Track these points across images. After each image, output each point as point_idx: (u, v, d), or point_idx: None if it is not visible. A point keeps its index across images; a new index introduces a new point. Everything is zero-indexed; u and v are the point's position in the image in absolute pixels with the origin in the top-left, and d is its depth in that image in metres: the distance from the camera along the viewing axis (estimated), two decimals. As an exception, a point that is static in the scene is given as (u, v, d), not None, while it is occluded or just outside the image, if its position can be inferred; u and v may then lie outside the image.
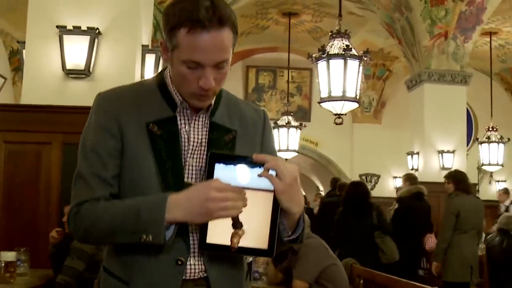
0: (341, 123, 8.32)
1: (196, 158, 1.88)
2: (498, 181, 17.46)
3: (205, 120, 1.92)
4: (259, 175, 1.73)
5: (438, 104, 12.44)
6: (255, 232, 1.74)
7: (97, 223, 1.78)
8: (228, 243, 1.69)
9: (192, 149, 1.88)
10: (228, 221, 1.72)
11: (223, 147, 1.90)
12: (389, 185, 16.42)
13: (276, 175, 1.73)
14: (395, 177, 16.33)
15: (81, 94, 5.60)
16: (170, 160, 1.83)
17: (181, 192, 1.74)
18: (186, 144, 1.88)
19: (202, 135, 1.90)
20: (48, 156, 5.68)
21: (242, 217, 1.70)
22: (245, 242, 1.71)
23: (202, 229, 1.76)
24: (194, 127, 1.90)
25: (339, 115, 8.06)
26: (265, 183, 1.75)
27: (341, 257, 5.75)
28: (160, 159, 1.82)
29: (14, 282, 4.39)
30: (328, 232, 6.80)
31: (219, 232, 1.72)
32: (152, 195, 1.78)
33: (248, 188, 1.73)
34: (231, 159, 1.75)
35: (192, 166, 1.87)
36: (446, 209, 7.02)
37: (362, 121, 16.54)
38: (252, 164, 1.74)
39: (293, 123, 11.99)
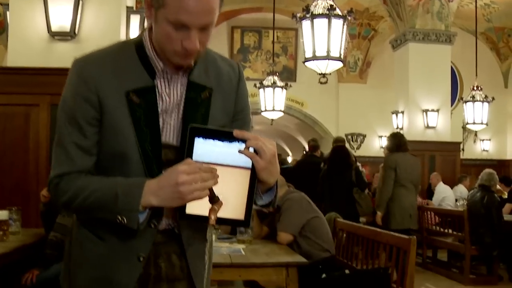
0: (325, 82, 8.40)
1: (174, 118, 1.93)
2: (483, 140, 17.68)
3: (183, 79, 1.95)
4: (240, 152, 1.76)
5: (422, 63, 12.55)
6: (232, 204, 1.80)
7: (76, 199, 1.84)
8: (206, 213, 1.74)
9: (171, 109, 1.92)
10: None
11: (199, 106, 1.94)
12: (375, 144, 16.60)
13: (256, 152, 1.77)
14: (380, 136, 16.49)
15: (67, 56, 5.54)
16: (149, 129, 1.87)
17: (154, 179, 1.79)
18: (165, 104, 1.91)
19: (180, 94, 1.94)
20: (36, 117, 5.74)
21: (219, 191, 1.74)
22: (222, 213, 1.76)
23: None
24: (172, 88, 1.94)
25: (323, 75, 8.15)
26: (243, 160, 1.78)
27: (325, 210, 6.13)
28: (139, 128, 1.86)
29: (7, 240, 4.47)
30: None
31: (197, 203, 1.76)
32: (130, 179, 1.83)
33: (225, 165, 1.76)
34: (211, 134, 1.76)
35: (170, 125, 1.92)
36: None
37: (347, 81, 16.60)
38: (232, 139, 1.76)
39: (279, 83, 12.01)
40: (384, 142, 15.60)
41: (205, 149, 1.76)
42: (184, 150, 1.78)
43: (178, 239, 1.98)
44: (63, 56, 5.69)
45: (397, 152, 7.56)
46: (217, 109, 1.98)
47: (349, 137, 16.26)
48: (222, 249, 4.32)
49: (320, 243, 4.78)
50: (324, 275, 4.52)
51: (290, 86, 12.74)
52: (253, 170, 1.79)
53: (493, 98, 13.41)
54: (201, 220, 1.80)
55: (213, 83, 1.99)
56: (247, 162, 1.78)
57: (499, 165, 16.35)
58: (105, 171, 1.90)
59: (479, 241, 7.83)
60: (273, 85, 11.96)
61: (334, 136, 15.88)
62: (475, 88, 13.21)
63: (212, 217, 1.74)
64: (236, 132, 1.77)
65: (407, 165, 7.47)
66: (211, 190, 1.74)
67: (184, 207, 1.79)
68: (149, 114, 1.88)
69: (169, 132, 1.93)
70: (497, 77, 17.64)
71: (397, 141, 7.65)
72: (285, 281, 3.88)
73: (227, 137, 1.77)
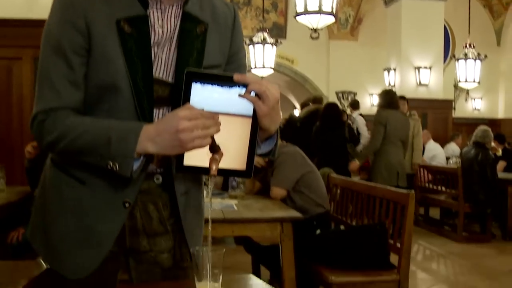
0: (317, 38, 8.28)
1: (166, 52, 1.78)
2: (474, 98, 17.59)
3: (177, 10, 1.80)
4: (241, 96, 1.63)
5: (415, 20, 12.37)
6: (233, 154, 1.67)
7: (63, 141, 1.67)
8: (205, 164, 1.60)
9: (163, 42, 1.78)
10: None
11: (195, 40, 1.80)
12: (366, 102, 16.43)
13: (259, 97, 1.63)
14: (371, 94, 16.34)
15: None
16: (141, 61, 1.71)
17: (152, 124, 1.64)
18: (157, 36, 1.76)
19: (173, 27, 1.79)
20: (19, 71, 5.57)
21: (219, 140, 1.61)
22: (223, 163, 1.62)
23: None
24: (166, 19, 1.79)
25: (315, 30, 8.04)
26: (244, 107, 1.65)
27: (319, 165, 6.04)
28: (130, 59, 1.70)
29: (-9, 197, 4.35)
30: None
31: (196, 153, 1.62)
32: (125, 123, 1.68)
33: (225, 114, 1.63)
34: (209, 79, 1.62)
35: (162, 59, 1.77)
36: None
37: (338, 38, 16.38)
38: (232, 84, 1.63)
39: (269, 40, 11.81)
40: (375, 100, 15.53)
41: (203, 95, 1.62)
42: (178, 89, 1.66)
43: (158, 188, 1.84)
44: (47, 6, 5.45)
45: (389, 109, 7.52)
46: (213, 46, 1.83)
47: (340, 95, 16.12)
48: (213, 204, 4.18)
49: (315, 198, 4.64)
50: (318, 231, 4.40)
51: (280, 43, 12.54)
52: (254, 117, 1.66)
53: (485, 56, 13.29)
54: (199, 172, 1.68)
55: (209, 19, 1.85)
56: (248, 110, 1.65)
57: (490, 124, 16.08)
58: (92, 108, 1.74)
59: (473, 198, 7.74)
60: (263, 42, 11.76)
61: (325, 93, 15.86)
62: (467, 45, 13.07)
63: (213, 167, 1.59)
64: (237, 76, 1.62)
65: (397, 123, 7.45)
66: (212, 139, 1.59)
67: (181, 158, 1.65)
68: (141, 45, 1.72)
69: (161, 67, 1.77)
70: (490, 34, 17.45)
71: (389, 98, 7.61)
72: (280, 236, 3.74)
73: (227, 82, 1.63)
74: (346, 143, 7.68)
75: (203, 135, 1.56)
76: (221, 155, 1.61)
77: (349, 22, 16.38)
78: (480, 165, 7.69)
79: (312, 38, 8.18)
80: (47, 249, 1.82)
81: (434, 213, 9.39)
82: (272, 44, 11.88)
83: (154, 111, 1.74)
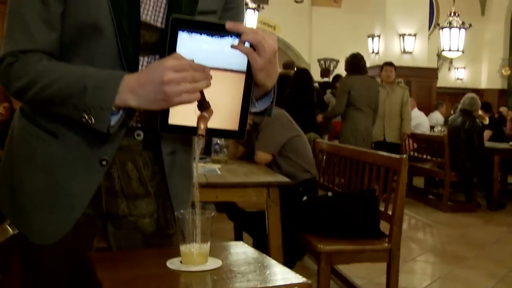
0: (301, 1, 8.08)
1: None
2: (457, 68, 17.47)
3: None
4: (233, 47, 1.44)
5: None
6: (225, 113, 1.49)
7: (33, 88, 1.46)
8: (193, 124, 1.42)
9: None
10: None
11: None
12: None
13: (254, 48, 1.44)
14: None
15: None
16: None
17: (134, 73, 1.43)
18: None
19: None
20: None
21: (209, 97, 1.42)
22: (213, 123, 1.44)
23: (162, 110, 1.48)
24: None
25: None
26: (236, 61, 1.46)
27: None
28: None
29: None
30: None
31: (182, 111, 1.44)
32: (104, 71, 1.46)
33: (216, 69, 1.44)
34: (198, 27, 1.43)
35: (151, 1, 1.54)
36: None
37: (321, 4, 16.05)
38: (224, 33, 1.43)
39: (251, 4, 11.58)
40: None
41: (190, 46, 1.42)
42: (167, 36, 1.43)
43: (139, 145, 1.63)
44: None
45: (355, 74, 7.51)
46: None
47: (322, 62, 15.87)
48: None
49: (301, 163, 4.43)
50: (305, 198, 4.19)
51: (262, 8, 12.31)
52: (249, 71, 1.47)
53: (470, 25, 13.16)
54: (186, 133, 1.50)
55: None
56: (242, 64, 1.47)
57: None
58: (68, 52, 1.52)
59: (459, 167, 7.60)
60: (245, 6, 11.45)
61: (307, 61, 15.64)
62: (452, 14, 12.91)
63: (202, 126, 1.41)
64: (229, 25, 1.43)
65: (363, 88, 7.41)
66: (202, 94, 1.40)
67: (166, 115, 1.47)
68: None
69: (149, 9, 1.55)
70: (474, 4, 17.29)
71: (355, 63, 7.60)
72: (266, 202, 3.53)
73: (218, 31, 1.43)
74: (314, 109, 7.72)
75: (191, 89, 1.37)
76: (211, 113, 1.42)
77: (332, -12, 16.12)
78: (467, 133, 7.53)
79: (296, 1, 7.98)
80: (14, 211, 1.62)
81: (418, 182, 9.26)
82: (254, 9, 11.64)
83: (140, 58, 1.53)
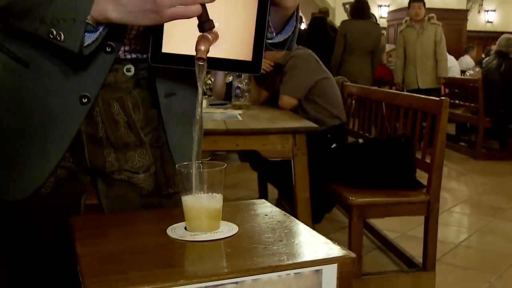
0: None
1: None
2: (487, 10, 16.81)
3: None
4: None
5: None
6: (234, 39, 1.16)
7: None
8: (192, 52, 1.08)
9: None
10: (193, 21, 1.09)
11: None
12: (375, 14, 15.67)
13: None
14: (380, 6, 15.56)
15: None
16: None
17: None
18: None
19: None
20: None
21: (213, 17, 1.09)
22: (219, 51, 1.13)
23: (154, 34, 1.16)
24: None
25: None
26: None
27: None
28: None
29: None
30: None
31: (179, 37, 1.15)
32: None
33: None
34: None
35: None
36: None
37: None
38: None
39: None
40: (384, 11, 14.84)
41: None
42: None
43: (128, 82, 1.32)
44: None
45: (356, 19, 7.40)
46: None
47: (347, 6, 15.29)
48: (215, 115, 3.62)
49: (330, 108, 4.09)
50: (334, 145, 3.85)
51: None
52: None
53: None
54: (184, 64, 1.16)
55: None
56: None
57: (503, 37, 15.62)
58: None
59: (494, 112, 7.18)
60: None
61: (332, 5, 15.10)
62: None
63: (202, 47, 1.06)
64: None
65: (360, 32, 7.24)
66: (203, 8, 1.07)
67: (158, 42, 1.15)
68: None
69: None
70: None
71: (358, 6, 7.46)
72: (292, 150, 3.20)
73: None
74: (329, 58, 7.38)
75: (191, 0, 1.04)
76: (216, 36, 1.09)
77: None
78: (503, 76, 7.11)
79: None
80: None
81: (448, 129, 8.85)
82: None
83: None
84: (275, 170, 4.03)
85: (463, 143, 8.31)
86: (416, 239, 4.18)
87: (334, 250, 1.01)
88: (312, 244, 1.05)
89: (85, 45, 1.10)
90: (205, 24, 1.08)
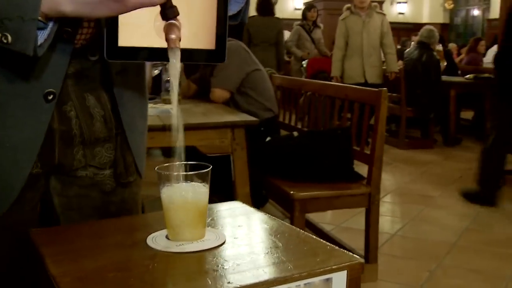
0: None
1: None
2: (399, 2, 17.16)
3: None
4: None
5: None
6: (195, 26, 1.07)
7: None
8: (153, 44, 1.00)
9: None
10: (152, 10, 0.96)
11: None
12: (289, 7, 15.70)
13: None
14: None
15: None
16: None
17: None
18: None
19: None
20: None
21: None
22: (182, 42, 1.00)
23: (109, 26, 1.01)
24: None
25: None
26: None
27: None
28: None
29: None
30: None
31: (137, 28, 1.01)
32: None
33: None
34: None
35: None
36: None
37: None
38: None
39: None
40: (299, 2, 14.93)
41: None
42: None
43: (95, 68, 1.19)
44: None
45: (260, 15, 7.74)
46: None
47: None
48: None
49: (262, 101, 3.98)
50: (268, 139, 3.75)
51: None
52: None
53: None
54: (144, 58, 1.08)
55: None
56: None
57: (415, 29, 15.83)
58: None
59: (416, 102, 7.25)
60: None
61: None
62: None
63: (173, 36, 0.96)
64: None
65: (261, 26, 7.64)
66: None
67: (114, 34, 1.01)
68: None
69: None
70: None
71: (264, 4, 7.74)
72: (231, 145, 3.07)
73: None
74: None
75: None
76: (180, 25, 0.97)
77: None
78: (424, 66, 7.18)
79: None
80: None
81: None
82: None
83: None
84: (213, 166, 3.89)
85: (386, 133, 8.37)
86: (352, 230, 4.15)
87: (342, 256, 0.90)
88: (316, 249, 0.93)
89: (37, 45, 0.95)
90: (170, 11, 0.96)
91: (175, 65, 0.95)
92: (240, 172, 3.13)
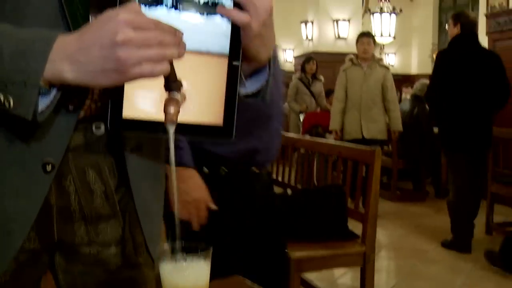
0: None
1: None
2: (388, 53, 17.36)
3: None
4: (219, 10, 1.02)
5: None
6: (202, 100, 1.04)
7: None
8: (158, 117, 0.97)
9: None
10: (158, 81, 0.97)
11: None
12: (279, 58, 15.85)
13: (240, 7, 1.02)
14: (284, 50, 15.78)
15: None
16: None
17: (74, 33, 0.95)
18: None
19: None
20: None
21: (180, 76, 0.98)
22: (186, 115, 1.00)
23: (113, 96, 1.02)
24: None
25: None
26: (218, 41, 1.04)
27: None
28: None
29: None
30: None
31: (142, 99, 1.01)
32: (29, 30, 0.97)
33: (188, 52, 0.99)
34: None
35: None
36: None
37: (251, -10, 15.68)
38: None
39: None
40: (289, 55, 15.07)
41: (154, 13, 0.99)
42: None
43: (100, 142, 1.17)
44: None
45: None
46: None
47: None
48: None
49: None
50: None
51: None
52: (235, 43, 1.04)
53: (400, 10, 13.09)
54: (148, 130, 1.04)
55: None
56: (225, 45, 1.04)
57: (404, 79, 16.05)
58: None
59: (406, 154, 7.31)
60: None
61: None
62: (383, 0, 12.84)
63: (172, 110, 0.94)
64: None
65: None
66: (171, 67, 0.94)
67: (118, 105, 1.01)
68: None
69: None
70: (402, -11, 17.22)
71: None
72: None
73: None
74: None
75: (156, 56, 0.91)
76: (183, 98, 0.96)
77: (261, -26, 15.75)
78: (416, 119, 7.27)
79: None
80: None
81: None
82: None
83: (90, 18, 1.04)
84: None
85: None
86: (343, 286, 4.14)
87: None
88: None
89: (39, 111, 0.96)
90: (173, 84, 0.95)
91: (169, 141, 0.95)
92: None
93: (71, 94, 1.03)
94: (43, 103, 0.97)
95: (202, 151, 2.60)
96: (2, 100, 0.93)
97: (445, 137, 5.14)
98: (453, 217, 5.13)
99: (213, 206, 2.52)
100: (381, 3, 12.96)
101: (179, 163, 2.33)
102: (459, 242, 5.08)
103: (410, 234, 5.91)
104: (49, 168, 1.08)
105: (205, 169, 2.70)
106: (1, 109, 0.94)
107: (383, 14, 12.90)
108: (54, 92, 0.98)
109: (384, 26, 12.99)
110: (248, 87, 1.17)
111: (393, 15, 12.96)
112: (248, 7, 1.01)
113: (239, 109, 1.07)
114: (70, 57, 0.92)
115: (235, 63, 1.04)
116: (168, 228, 1.82)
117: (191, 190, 2.49)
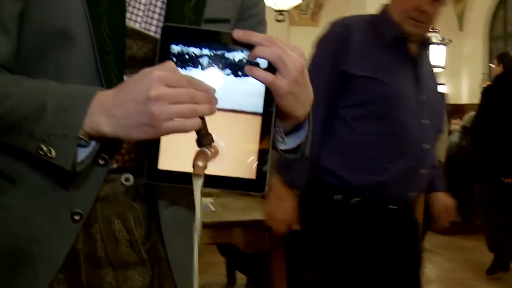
0: (283, 20, 7.99)
1: None
2: (439, 84, 17.31)
3: None
4: (246, 70, 1.05)
5: (380, 3, 11.91)
6: (235, 154, 1.08)
7: None
8: (191, 170, 1.01)
9: None
10: (192, 135, 1.03)
11: None
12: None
13: (273, 68, 1.05)
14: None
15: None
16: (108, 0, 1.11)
17: (111, 89, 1.03)
18: None
19: None
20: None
21: (213, 130, 1.04)
22: (219, 168, 1.05)
23: (150, 148, 1.08)
24: None
25: (280, 12, 7.85)
26: (251, 100, 1.08)
27: None
28: None
29: None
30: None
31: (177, 153, 1.07)
32: (70, 86, 1.06)
33: (221, 110, 1.05)
34: (196, 37, 1.04)
35: (141, 2, 1.17)
36: None
37: (299, 23, 15.85)
38: (231, 46, 1.05)
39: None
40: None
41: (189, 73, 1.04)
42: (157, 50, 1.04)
43: (127, 194, 1.21)
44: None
45: None
46: (215, 11, 1.24)
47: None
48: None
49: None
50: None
51: (241, 28, 12.00)
52: (268, 96, 1.07)
53: (450, 41, 13.04)
54: (183, 182, 1.05)
55: None
56: (257, 103, 1.08)
57: (455, 109, 15.89)
58: (28, 68, 1.12)
59: (455, 186, 7.24)
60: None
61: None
62: (431, 30, 12.80)
63: (200, 163, 0.99)
64: (238, 33, 1.02)
65: None
66: (203, 122, 0.99)
67: (154, 157, 1.06)
68: None
69: (137, 13, 1.17)
70: (452, 19, 17.15)
71: None
72: (268, 243, 3.12)
73: (224, 42, 1.04)
74: None
75: (188, 112, 0.96)
76: (216, 152, 1.02)
77: (310, 8, 15.92)
78: (463, 151, 7.22)
79: (277, 20, 7.82)
80: None
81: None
82: (233, 29, 11.37)
83: (125, 77, 1.12)
84: (248, 261, 3.94)
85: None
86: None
87: None
88: None
89: (78, 161, 1.03)
90: (204, 139, 1.01)
91: (195, 194, 0.99)
92: (277, 272, 3.16)
93: (102, 148, 1.09)
94: (83, 154, 1.04)
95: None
96: (45, 150, 1.01)
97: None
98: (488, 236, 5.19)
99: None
100: (430, 34, 12.93)
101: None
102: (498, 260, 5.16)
103: (460, 268, 5.85)
104: (77, 217, 1.14)
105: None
106: (44, 159, 1.02)
107: (432, 45, 12.86)
108: (93, 143, 1.05)
109: (434, 56, 12.94)
110: (288, 143, 1.20)
111: (443, 46, 12.91)
112: (278, 66, 1.03)
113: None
114: (107, 111, 0.99)
115: (268, 119, 1.08)
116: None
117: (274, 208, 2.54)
